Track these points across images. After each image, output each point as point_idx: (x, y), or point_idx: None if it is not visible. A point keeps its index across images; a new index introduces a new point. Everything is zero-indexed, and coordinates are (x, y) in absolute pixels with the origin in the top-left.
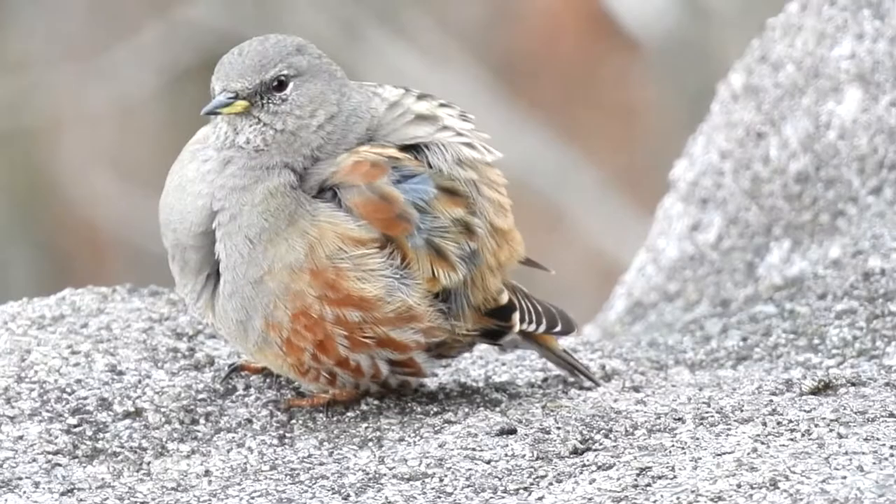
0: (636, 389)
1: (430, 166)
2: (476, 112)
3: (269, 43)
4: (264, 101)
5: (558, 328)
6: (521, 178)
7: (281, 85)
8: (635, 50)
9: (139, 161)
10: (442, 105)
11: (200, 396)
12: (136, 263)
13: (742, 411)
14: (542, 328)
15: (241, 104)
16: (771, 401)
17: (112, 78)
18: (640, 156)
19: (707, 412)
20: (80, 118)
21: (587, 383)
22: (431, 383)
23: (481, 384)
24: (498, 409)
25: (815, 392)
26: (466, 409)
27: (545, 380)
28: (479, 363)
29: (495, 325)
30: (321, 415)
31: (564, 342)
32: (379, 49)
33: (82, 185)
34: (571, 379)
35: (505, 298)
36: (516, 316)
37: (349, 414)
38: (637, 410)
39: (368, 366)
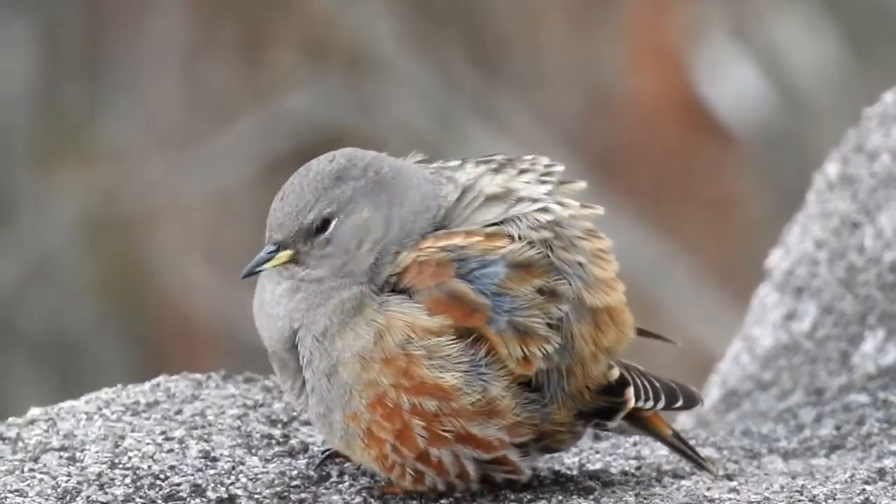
0: (729, 478)
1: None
2: None
3: (308, 179)
4: (307, 248)
5: (679, 403)
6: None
7: (324, 225)
8: (731, 141)
9: (234, 251)
10: (523, 171)
11: (294, 483)
12: (230, 354)
13: (835, 500)
14: (661, 404)
15: (284, 255)
16: (864, 489)
17: (207, 168)
18: (735, 247)
19: (800, 500)
20: (175, 208)
21: (688, 467)
22: (540, 466)
23: (575, 472)
24: (591, 496)
25: None
26: (560, 497)
27: (639, 468)
28: (574, 450)
29: (607, 403)
30: (414, 501)
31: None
32: (476, 140)
33: (177, 275)
34: (687, 467)
35: (616, 374)
36: (630, 391)
37: (443, 501)
38: (730, 499)
39: (451, 463)
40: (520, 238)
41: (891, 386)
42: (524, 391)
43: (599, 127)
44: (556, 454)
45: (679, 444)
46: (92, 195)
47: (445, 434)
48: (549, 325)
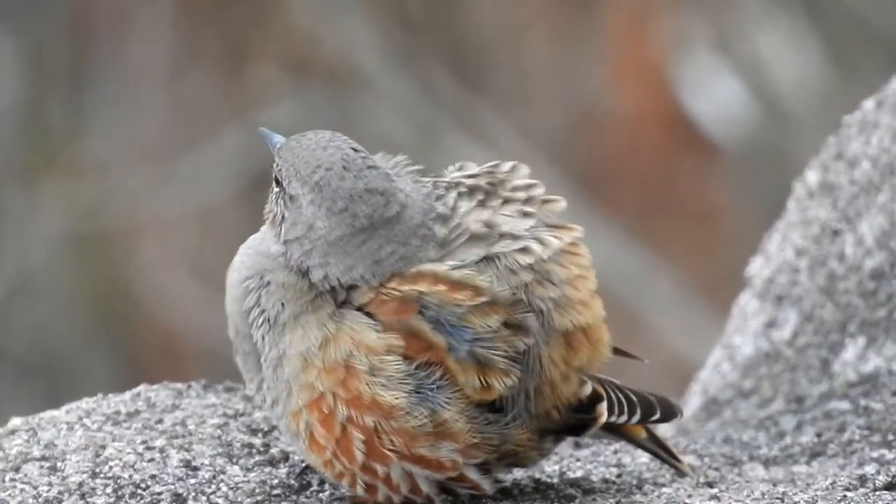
0: (710, 485)
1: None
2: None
3: (338, 157)
4: (279, 191)
5: (656, 416)
6: (599, 282)
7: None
8: (714, 154)
9: (217, 265)
10: (506, 201)
11: (275, 492)
12: (214, 368)
13: None
14: (636, 418)
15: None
16: (845, 496)
17: (190, 182)
18: (718, 259)
19: None
20: (157, 222)
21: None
22: (505, 479)
23: (556, 479)
24: None
25: (888, 487)
26: None
27: (619, 475)
28: (554, 458)
29: (576, 420)
30: None
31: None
32: (458, 154)
33: (160, 290)
34: (668, 474)
35: (588, 391)
36: (603, 406)
37: None
38: None
39: (401, 478)
40: (497, 280)
41: (872, 393)
42: (483, 413)
43: (583, 140)
44: (523, 469)
45: (654, 448)
46: (76, 210)
47: (387, 452)
48: (512, 359)
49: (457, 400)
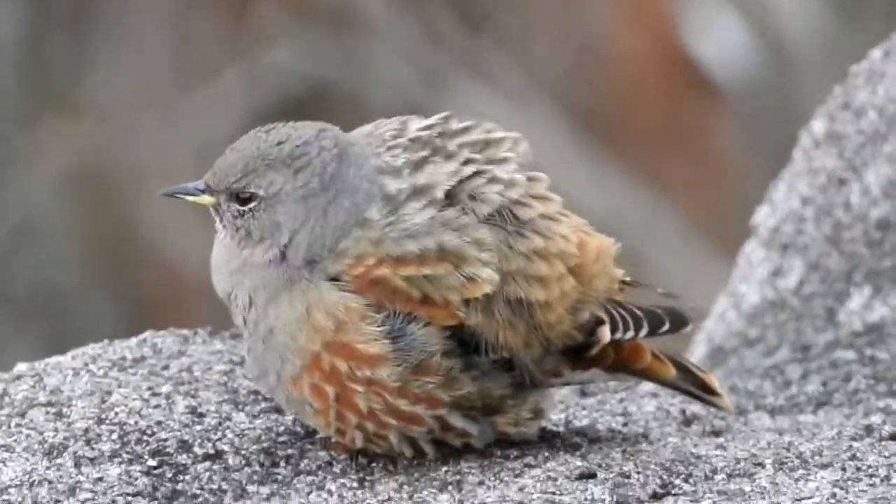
0: (716, 434)
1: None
2: (558, 158)
3: (257, 146)
4: (227, 208)
5: (665, 327)
6: (602, 225)
7: (247, 199)
8: (718, 97)
9: None
10: (468, 161)
11: (281, 439)
12: (217, 309)
13: (821, 456)
14: (644, 332)
15: (206, 200)
16: (850, 446)
17: (193, 123)
18: (722, 202)
19: (787, 457)
20: (161, 163)
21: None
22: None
23: (561, 428)
24: (578, 453)
25: (894, 437)
26: (546, 453)
27: (626, 424)
28: (560, 407)
29: (577, 346)
30: (401, 458)
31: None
32: (462, 95)
33: (163, 231)
34: (674, 424)
35: (584, 317)
36: (604, 329)
37: (429, 457)
38: (717, 455)
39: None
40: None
41: (877, 342)
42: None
43: (587, 82)
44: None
45: (686, 387)
46: (78, 151)
47: (377, 401)
48: (486, 262)
49: (434, 337)
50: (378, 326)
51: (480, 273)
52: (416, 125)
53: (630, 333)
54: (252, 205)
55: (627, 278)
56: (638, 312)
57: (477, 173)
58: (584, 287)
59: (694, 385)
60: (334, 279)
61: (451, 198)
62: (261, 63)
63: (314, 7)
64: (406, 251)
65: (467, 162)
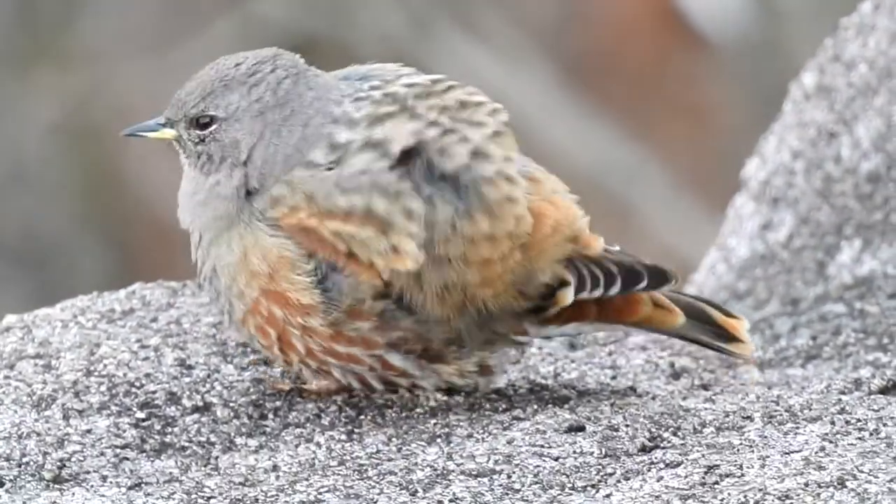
0: (705, 387)
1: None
2: (547, 110)
3: (212, 73)
4: (188, 137)
5: (643, 284)
6: (591, 177)
7: (206, 123)
8: (707, 49)
9: None
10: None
11: (269, 392)
12: None
13: (810, 410)
14: (615, 290)
15: (168, 133)
16: (839, 400)
17: (183, 72)
18: (710, 154)
19: (775, 411)
20: (150, 113)
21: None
22: (500, 380)
23: (550, 381)
24: (567, 406)
25: (883, 391)
26: (535, 406)
27: (614, 377)
28: (549, 360)
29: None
30: (390, 410)
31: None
32: (451, 46)
33: (152, 181)
34: (663, 377)
35: (546, 279)
36: (565, 292)
37: (418, 410)
38: (705, 408)
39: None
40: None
41: (867, 296)
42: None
43: (576, 34)
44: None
45: (696, 336)
46: (68, 99)
47: (315, 348)
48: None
49: (364, 284)
50: (308, 277)
51: (405, 246)
52: (403, 81)
53: (598, 292)
54: (213, 128)
55: (609, 246)
56: (613, 269)
57: (447, 132)
58: (532, 263)
59: (704, 333)
60: (271, 225)
61: (409, 157)
62: (252, 13)
63: None
64: (333, 205)
65: (433, 124)
